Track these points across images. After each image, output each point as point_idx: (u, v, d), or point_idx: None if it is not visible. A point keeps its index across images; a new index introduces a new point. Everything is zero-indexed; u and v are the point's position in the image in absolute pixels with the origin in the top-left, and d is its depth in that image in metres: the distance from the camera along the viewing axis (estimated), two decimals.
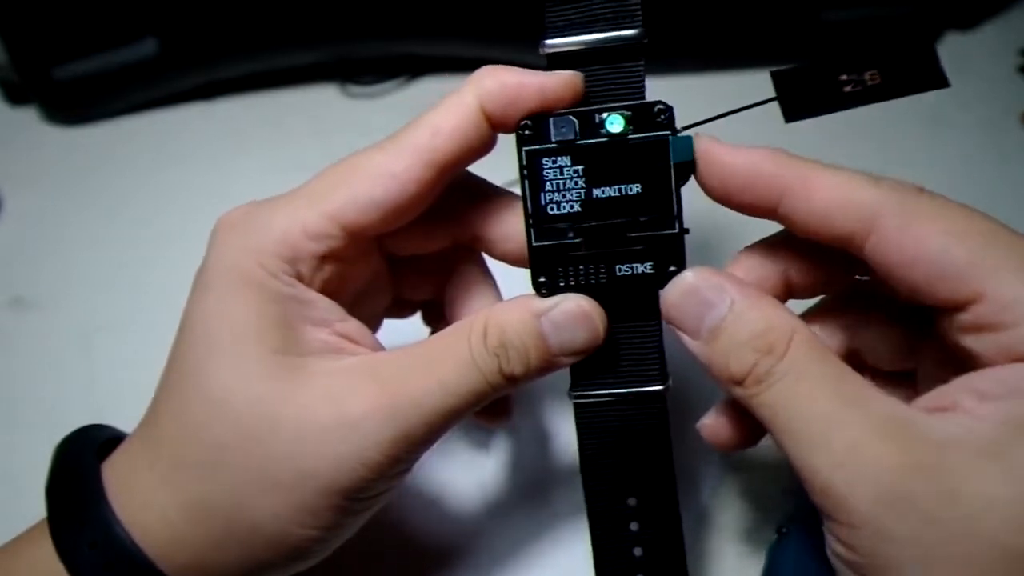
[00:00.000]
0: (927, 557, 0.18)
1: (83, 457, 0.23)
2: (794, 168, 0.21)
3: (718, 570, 0.30)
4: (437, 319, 0.30)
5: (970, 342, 0.20)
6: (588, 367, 0.23)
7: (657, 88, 0.23)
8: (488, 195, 0.25)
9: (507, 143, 0.23)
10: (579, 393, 0.24)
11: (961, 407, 0.19)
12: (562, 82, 0.22)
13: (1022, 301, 0.19)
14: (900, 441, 0.18)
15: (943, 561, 0.18)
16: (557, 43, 0.22)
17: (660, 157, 0.22)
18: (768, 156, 0.21)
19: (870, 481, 0.18)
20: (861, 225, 0.20)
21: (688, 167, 0.22)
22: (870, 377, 0.25)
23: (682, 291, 0.22)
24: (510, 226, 0.25)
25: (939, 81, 0.21)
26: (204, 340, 0.22)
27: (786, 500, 0.30)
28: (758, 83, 0.21)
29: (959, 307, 0.20)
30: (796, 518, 0.28)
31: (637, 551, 0.25)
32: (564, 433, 0.33)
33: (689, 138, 0.22)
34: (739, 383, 0.21)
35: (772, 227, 0.24)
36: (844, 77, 0.21)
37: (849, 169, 0.21)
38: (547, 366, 0.22)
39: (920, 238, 0.20)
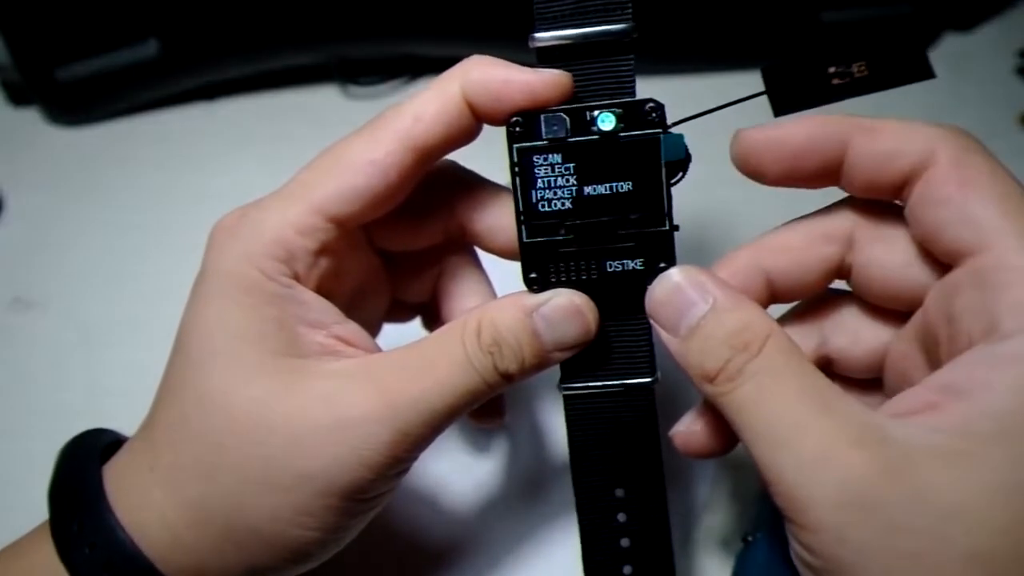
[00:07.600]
0: (892, 564, 0.17)
1: (85, 460, 0.23)
2: (855, 120, 0.21)
3: (705, 569, 0.30)
4: (435, 323, 0.30)
5: (958, 302, 0.20)
6: (578, 361, 0.23)
7: (657, 88, 0.23)
8: (478, 188, 0.25)
9: (502, 142, 0.23)
10: (568, 385, 0.24)
11: (930, 408, 0.19)
12: (549, 82, 0.22)
13: (1021, 269, 0.19)
14: (868, 446, 0.18)
15: (909, 568, 0.17)
16: (546, 36, 0.22)
17: (651, 155, 0.22)
18: (828, 117, 0.21)
19: (835, 485, 0.18)
20: (923, 158, 0.20)
21: (679, 165, 0.22)
22: (840, 385, 0.25)
23: (667, 289, 0.22)
24: (500, 219, 0.25)
25: (925, 72, 0.21)
26: (202, 344, 0.22)
27: (754, 507, 0.30)
28: (758, 84, 0.21)
29: (964, 255, 0.20)
30: (762, 525, 0.28)
31: (624, 542, 0.25)
32: (559, 430, 0.33)
33: (680, 136, 0.22)
34: (711, 380, 0.20)
35: (760, 229, 0.24)
36: (832, 69, 0.21)
37: None
38: (541, 362, 0.22)
39: (966, 180, 0.20)
